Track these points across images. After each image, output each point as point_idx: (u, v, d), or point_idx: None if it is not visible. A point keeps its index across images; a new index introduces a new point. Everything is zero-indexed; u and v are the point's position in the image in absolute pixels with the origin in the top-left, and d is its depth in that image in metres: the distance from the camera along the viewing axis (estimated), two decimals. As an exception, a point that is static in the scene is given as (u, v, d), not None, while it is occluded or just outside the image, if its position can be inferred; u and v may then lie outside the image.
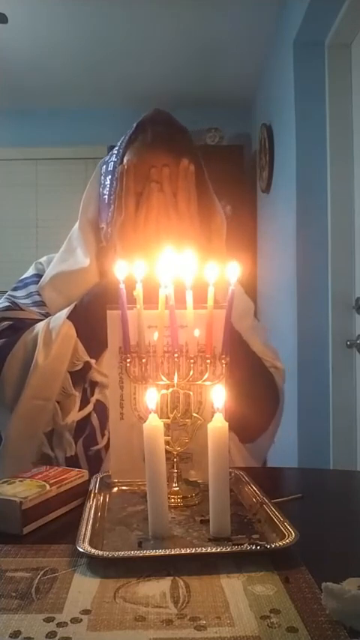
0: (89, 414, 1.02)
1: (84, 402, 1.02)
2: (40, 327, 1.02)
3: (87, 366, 1.02)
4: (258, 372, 1.07)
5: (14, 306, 1.11)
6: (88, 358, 1.01)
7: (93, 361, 1.02)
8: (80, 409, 1.02)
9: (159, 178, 1.02)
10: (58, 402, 1.01)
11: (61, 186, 3.99)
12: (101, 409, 1.00)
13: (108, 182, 1.10)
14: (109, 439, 0.93)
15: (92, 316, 0.95)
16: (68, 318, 1.01)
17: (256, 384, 1.06)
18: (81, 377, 1.02)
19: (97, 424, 1.01)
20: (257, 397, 1.05)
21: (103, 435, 1.00)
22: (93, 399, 1.03)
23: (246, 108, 3.91)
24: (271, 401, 1.10)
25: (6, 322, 1.07)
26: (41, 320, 1.05)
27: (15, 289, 1.16)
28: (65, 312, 1.02)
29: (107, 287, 0.93)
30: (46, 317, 1.07)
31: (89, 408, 1.02)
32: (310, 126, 2.40)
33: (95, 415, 1.02)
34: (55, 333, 0.99)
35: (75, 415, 1.01)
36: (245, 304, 1.22)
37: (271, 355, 1.13)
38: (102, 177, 1.12)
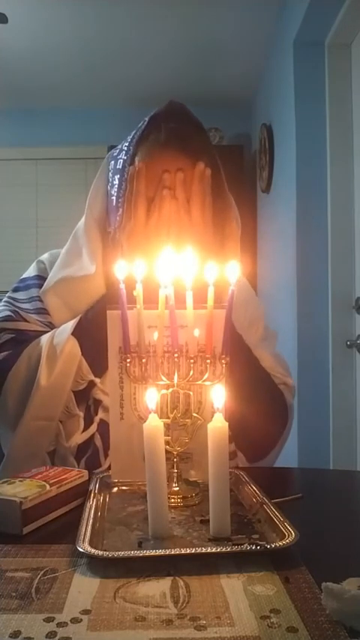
0: (93, 435, 0.99)
1: (87, 421, 1.00)
2: (43, 342, 0.98)
3: (91, 385, 0.99)
4: (267, 392, 1.04)
5: (15, 315, 1.06)
6: (92, 377, 0.98)
7: (97, 380, 0.99)
8: (84, 428, 0.99)
9: (172, 184, 0.96)
10: (61, 422, 0.98)
11: (61, 186, 3.98)
12: (105, 430, 0.96)
13: (116, 181, 1.03)
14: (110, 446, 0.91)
15: (97, 333, 0.89)
16: (72, 333, 0.97)
17: (264, 405, 1.03)
18: (84, 395, 1.00)
19: (101, 445, 0.99)
20: (265, 419, 1.02)
21: (106, 456, 0.97)
22: (97, 419, 1.00)
23: (246, 108, 3.91)
24: (279, 420, 1.07)
25: (7, 335, 1.03)
26: (44, 331, 1.02)
27: (16, 290, 1.11)
28: (70, 326, 0.98)
29: (113, 301, 0.87)
30: (49, 327, 1.03)
31: (93, 428, 0.99)
32: (310, 126, 2.40)
33: (99, 436, 0.99)
34: (59, 350, 0.96)
35: (79, 437, 0.98)
36: (255, 311, 1.16)
37: (282, 371, 1.09)
38: (110, 175, 1.05)
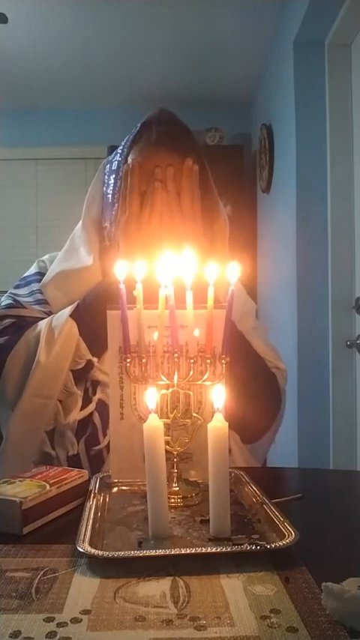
0: (91, 414, 1.02)
1: (86, 401, 1.02)
2: (42, 325, 1.02)
3: (89, 365, 1.02)
4: (260, 372, 1.07)
5: (17, 303, 1.11)
6: (90, 357, 1.01)
7: (95, 360, 1.02)
8: (82, 408, 1.01)
9: (163, 178, 1.01)
10: (60, 401, 1.01)
11: (61, 186, 3.99)
12: (103, 409, 1.00)
13: (112, 181, 1.09)
14: (110, 438, 0.92)
15: (94, 315, 0.94)
16: (71, 316, 1.01)
17: (258, 383, 1.06)
18: (83, 375, 1.02)
19: (99, 424, 1.01)
20: (260, 398, 1.05)
21: (104, 435, 1.00)
22: (95, 399, 1.02)
23: (246, 108, 3.92)
24: (273, 401, 1.10)
25: (8, 320, 1.07)
26: (43, 318, 1.05)
27: (17, 287, 1.16)
28: (68, 310, 1.02)
29: (110, 286, 0.92)
30: (49, 315, 1.06)
31: (91, 407, 1.02)
32: (310, 126, 2.40)
33: (97, 415, 1.01)
34: (57, 331, 0.99)
35: (77, 414, 1.01)
36: (246, 305, 1.21)
37: (273, 356, 1.13)
38: (106, 177, 1.12)
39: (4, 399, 1.01)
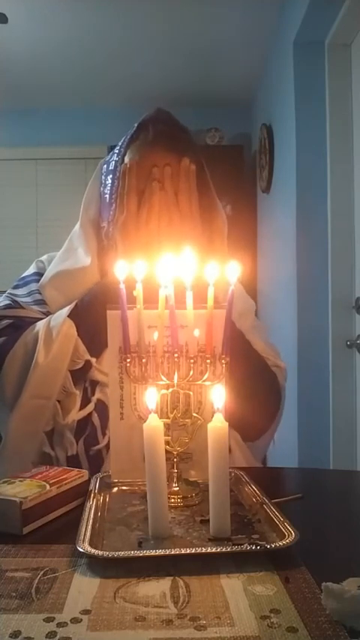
0: (90, 414, 1.02)
1: (85, 401, 1.02)
2: (40, 325, 1.02)
3: (87, 365, 1.02)
4: (260, 371, 1.08)
5: (15, 304, 1.11)
6: (88, 357, 1.01)
7: (94, 360, 1.02)
8: (81, 408, 1.02)
9: (161, 177, 1.02)
10: (58, 401, 1.01)
11: (61, 186, 3.99)
12: (102, 408, 1.00)
13: (109, 181, 1.10)
14: (110, 439, 0.93)
15: (93, 315, 0.95)
16: (69, 316, 1.01)
17: (259, 383, 1.06)
18: (81, 376, 1.03)
19: (98, 423, 1.01)
20: (260, 396, 1.05)
21: (104, 435, 1.00)
22: (94, 399, 1.03)
23: (246, 108, 3.92)
24: (273, 399, 1.10)
25: (6, 320, 1.07)
26: (42, 318, 1.05)
27: (16, 287, 1.16)
28: (66, 310, 1.02)
29: (108, 286, 0.93)
30: (47, 315, 1.06)
31: (90, 407, 1.02)
32: (310, 126, 2.40)
33: (96, 415, 1.02)
34: (55, 332, 0.99)
35: (76, 414, 1.01)
36: (246, 304, 1.22)
37: (273, 354, 1.14)
38: (103, 177, 1.12)
39: (2, 399, 1.01)
